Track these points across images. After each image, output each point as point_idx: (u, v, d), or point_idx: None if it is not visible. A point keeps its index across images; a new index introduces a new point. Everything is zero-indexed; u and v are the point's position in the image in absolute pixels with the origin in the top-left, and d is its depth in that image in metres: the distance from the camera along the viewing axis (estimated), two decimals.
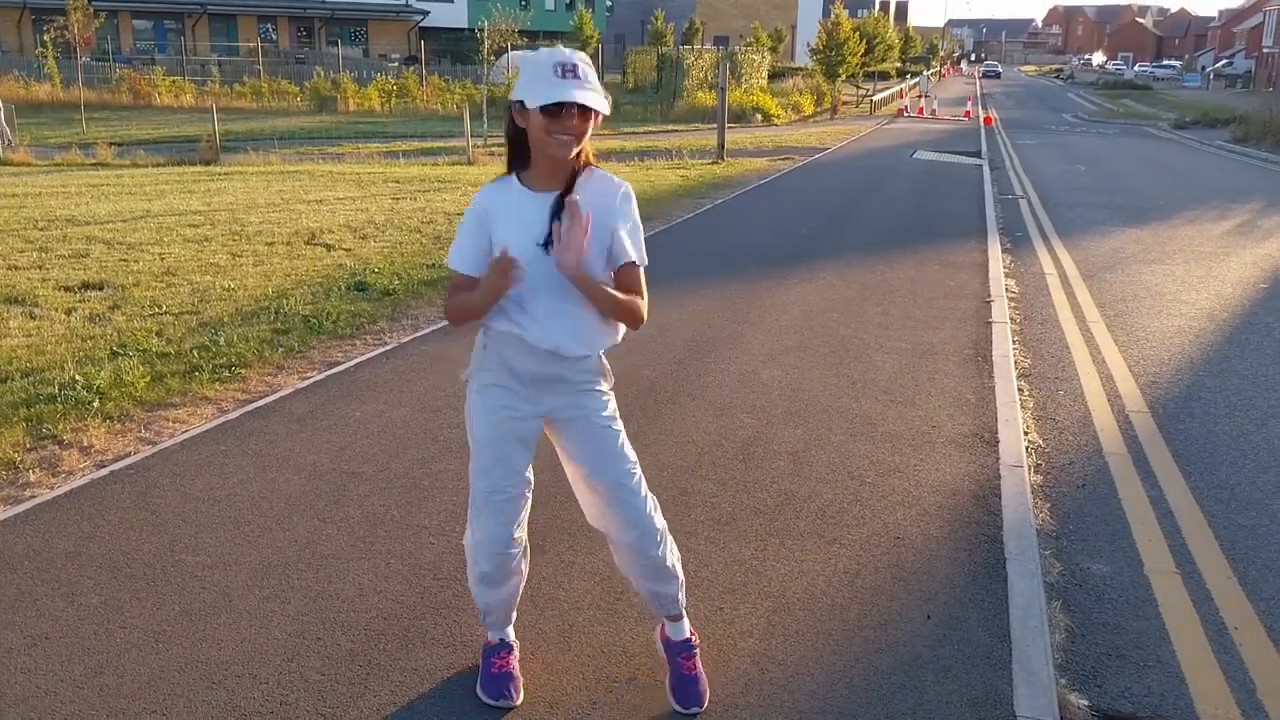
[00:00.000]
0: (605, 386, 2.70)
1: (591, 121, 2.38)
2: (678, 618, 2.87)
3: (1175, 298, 8.55)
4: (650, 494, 2.74)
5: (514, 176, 2.51)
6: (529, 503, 2.77)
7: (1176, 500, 4.50)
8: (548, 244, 2.44)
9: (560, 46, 2.49)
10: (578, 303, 2.48)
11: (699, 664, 2.86)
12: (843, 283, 8.55)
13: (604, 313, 2.52)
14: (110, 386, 5.33)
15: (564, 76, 2.30)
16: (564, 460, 2.77)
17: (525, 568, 2.87)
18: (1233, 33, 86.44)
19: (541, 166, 2.46)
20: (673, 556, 2.77)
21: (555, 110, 2.31)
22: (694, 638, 2.88)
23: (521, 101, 2.35)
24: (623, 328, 2.61)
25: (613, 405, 2.71)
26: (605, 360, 2.69)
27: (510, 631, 2.95)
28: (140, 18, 40.65)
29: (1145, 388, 6.09)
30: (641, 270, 2.56)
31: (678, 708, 2.79)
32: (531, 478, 2.76)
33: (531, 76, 2.34)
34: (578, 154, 2.45)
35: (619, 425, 2.70)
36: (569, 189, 2.46)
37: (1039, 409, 5.67)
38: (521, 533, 2.77)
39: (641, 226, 2.62)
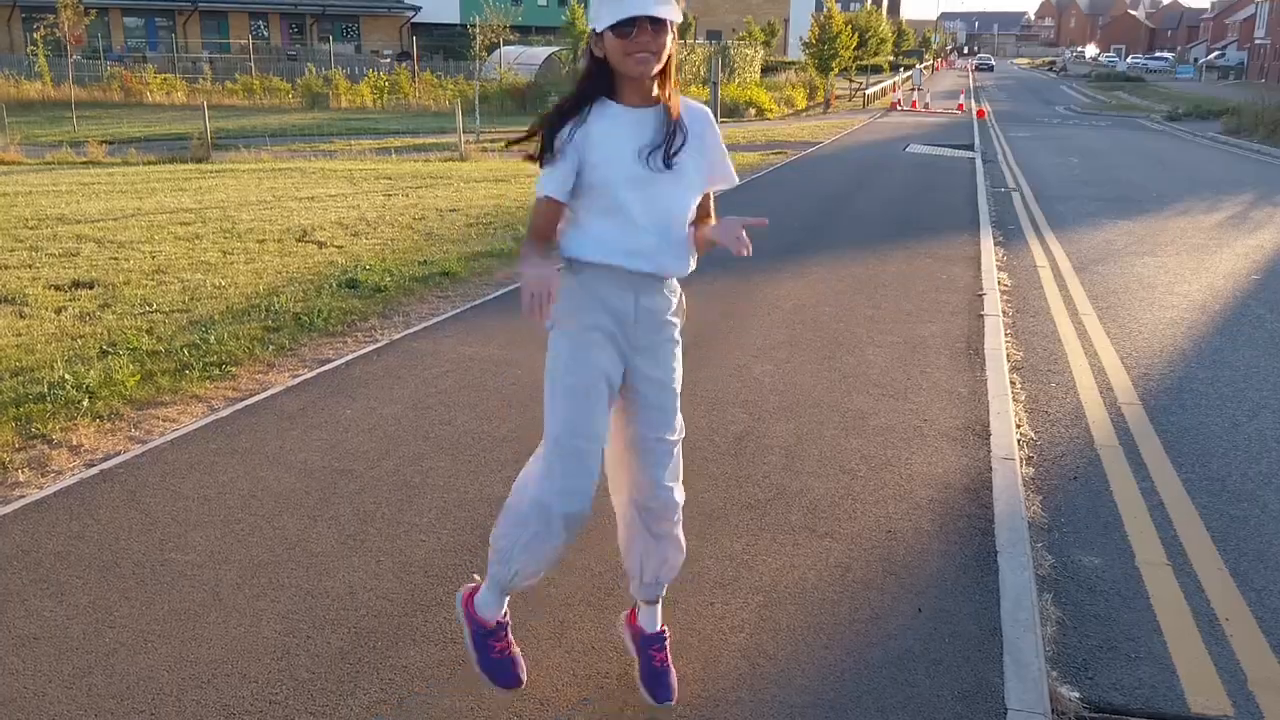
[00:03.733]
0: (680, 322, 2.68)
1: (669, 34, 2.35)
2: (656, 601, 2.84)
3: (1167, 289, 8.56)
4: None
5: (608, 100, 2.46)
6: (595, 483, 2.57)
7: (1168, 492, 4.50)
8: (652, 155, 2.44)
9: None
10: (671, 221, 2.51)
11: (669, 657, 2.86)
12: (835, 277, 8.55)
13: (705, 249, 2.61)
14: (100, 385, 5.31)
15: None
16: (616, 412, 2.65)
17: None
18: (1225, 24, 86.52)
19: (630, 89, 2.44)
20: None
21: (627, 29, 2.30)
22: (665, 629, 2.87)
23: (596, 31, 2.36)
24: (694, 251, 2.64)
25: (679, 352, 2.67)
26: (681, 290, 2.68)
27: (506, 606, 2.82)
28: (131, 15, 40.49)
29: (1137, 380, 6.09)
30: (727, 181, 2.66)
31: (651, 701, 2.78)
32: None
33: (600, 1, 2.34)
34: (664, 75, 2.44)
35: (679, 381, 2.68)
36: (673, 129, 2.47)
37: (1031, 402, 5.68)
38: (588, 508, 2.54)
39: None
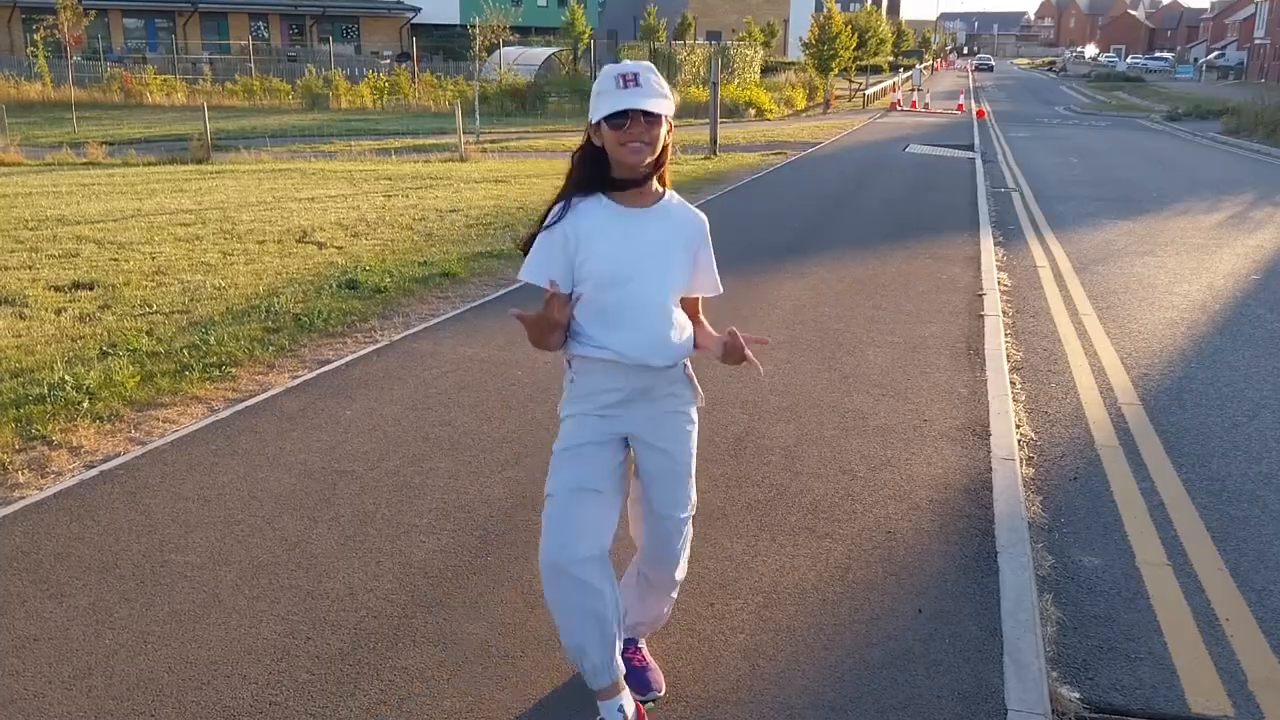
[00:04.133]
0: (692, 406, 2.71)
1: (660, 127, 2.42)
2: (635, 639, 2.96)
3: (1167, 289, 8.56)
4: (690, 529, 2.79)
5: (602, 195, 2.52)
6: (612, 527, 2.57)
7: (1168, 492, 4.50)
8: (637, 253, 2.51)
9: (625, 60, 2.55)
10: (661, 316, 2.55)
11: (648, 656, 2.92)
12: (835, 277, 8.55)
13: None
14: (100, 386, 5.31)
15: (625, 87, 2.37)
16: (633, 478, 2.74)
17: (615, 594, 2.56)
18: (1225, 24, 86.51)
19: (618, 181, 2.50)
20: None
21: (620, 121, 2.37)
22: (641, 641, 2.96)
23: (595, 123, 2.43)
24: (688, 339, 2.67)
25: (692, 432, 2.71)
26: (692, 374, 2.71)
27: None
28: (131, 16, 40.51)
29: (1137, 380, 6.09)
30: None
31: (636, 696, 2.78)
32: (619, 502, 2.64)
33: (597, 94, 2.42)
34: (659, 173, 2.52)
35: (692, 457, 2.71)
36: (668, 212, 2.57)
37: (1031, 402, 5.67)
38: (596, 546, 2.52)
39: None
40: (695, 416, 2.72)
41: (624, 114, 2.36)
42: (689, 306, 2.69)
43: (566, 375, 2.68)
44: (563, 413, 2.70)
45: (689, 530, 2.76)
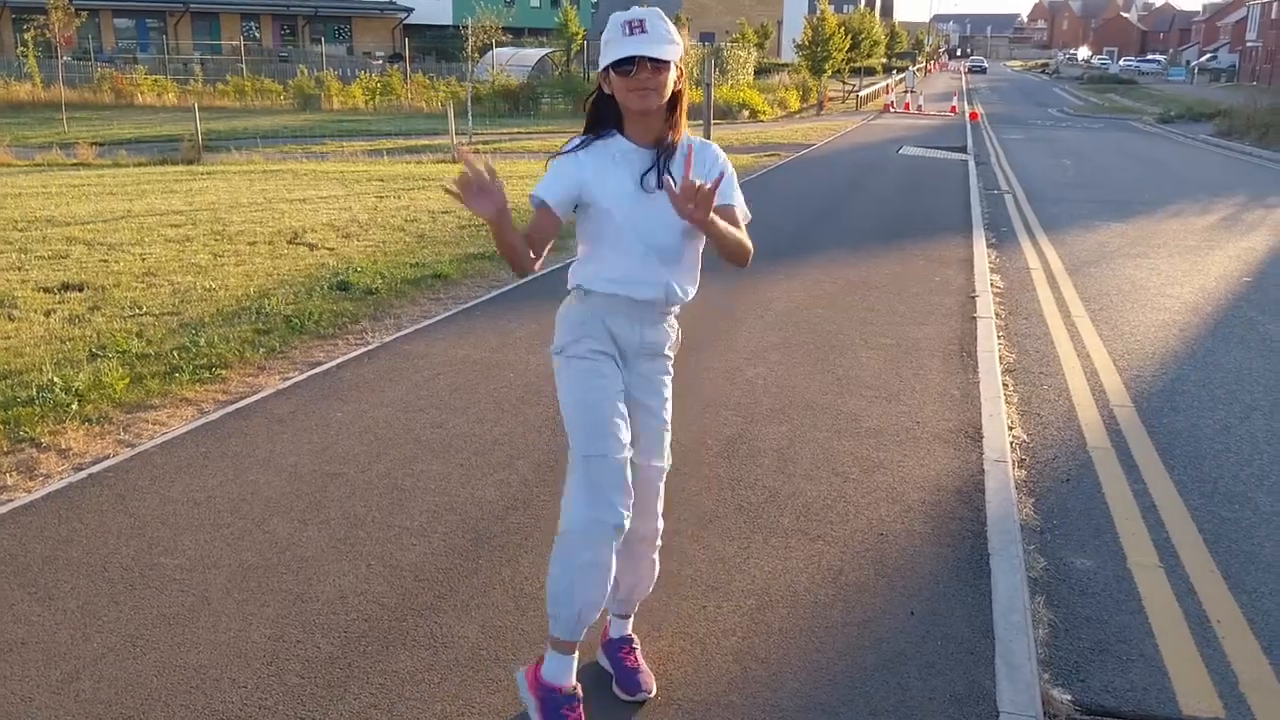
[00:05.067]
0: (671, 356, 2.76)
1: (667, 72, 2.45)
2: (627, 616, 2.97)
3: (1159, 292, 8.58)
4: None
5: (617, 133, 2.57)
6: (632, 492, 2.59)
7: (1160, 494, 4.50)
8: (645, 177, 2.53)
9: (636, 7, 2.53)
10: (668, 245, 2.58)
11: (640, 658, 2.91)
12: (828, 279, 8.55)
13: (724, 249, 2.56)
14: (89, 388, 5.28)
15: (631, 34, 2.40)
16: None
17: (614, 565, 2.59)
18: (1217, 27, 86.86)
19: (635, 124, 2.55)
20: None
21: (627, 67, 2.41)
22: (633, 635, 2.96)
23: (604, 69, 2.47)
24: (697, 279, 2.69)
25: (670, 382, 2.76)
26: (678, 324, 2.76)
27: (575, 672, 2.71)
28: (122, 16, 40.39)
29: (1129, 382, 6.10)
30: (740, 215, 2.65)
31: (625, 696, 2.83)
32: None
33: (605, 41, 2.45)
34: (675, 118, 2.54)
35: (668, 412, 2.76)
36: (670, 149, 2.55)
37: (1023, 404, 5.68)
38: (627, 518, 2.54)
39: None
40: (672, 370, 2.78)
41: (631, 60, 2.40)
42: (728, 217, 2.60)
43: (578, 308, 2.66)
44: (569, 347, 2.64)
45: (663, 482, 2.78)
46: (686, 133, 2.62)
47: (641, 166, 2.56)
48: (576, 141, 2.61)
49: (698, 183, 2.34)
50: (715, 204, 2.51)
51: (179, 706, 2.76)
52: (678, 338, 2.77)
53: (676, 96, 2.54)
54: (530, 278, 2.72)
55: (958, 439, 4.89)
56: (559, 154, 2.60)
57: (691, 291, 2.70)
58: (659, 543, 2.86)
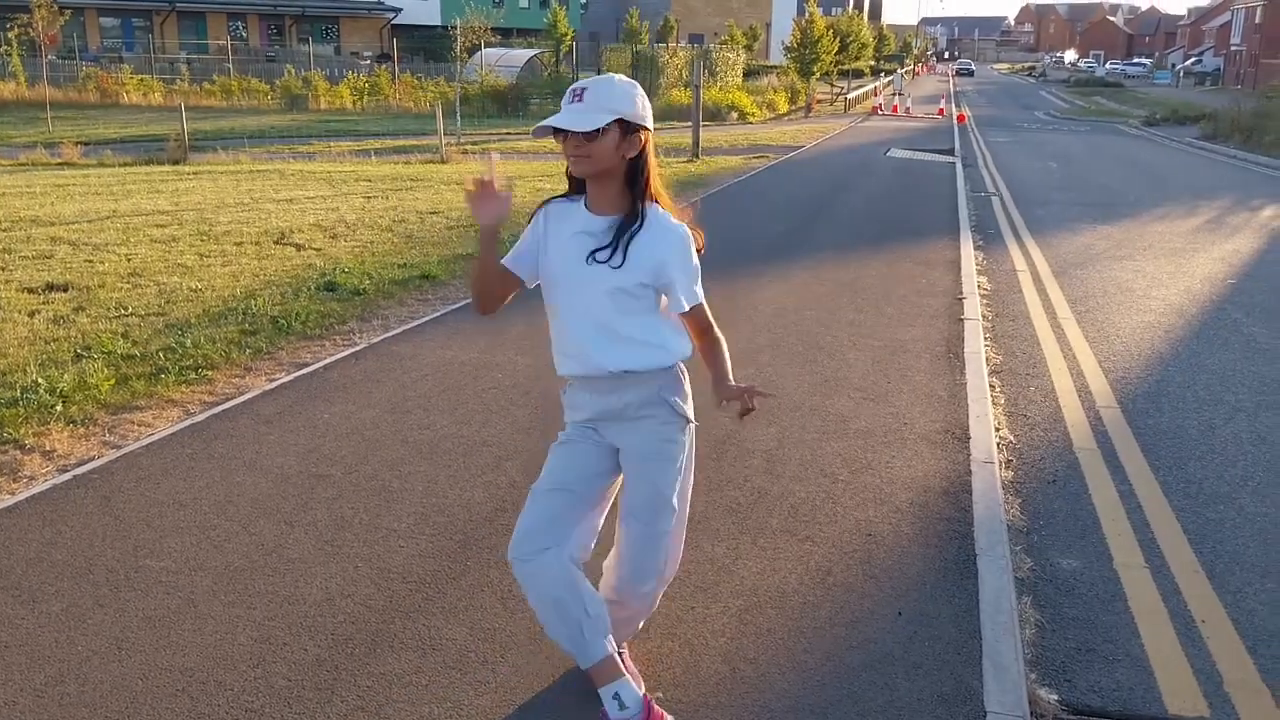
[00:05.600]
0: (676, 427, 2.65)
1: (598, 141, 2.39)
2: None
3: (1145, 294, 8.62)
4: (678, 547, 2.80)
5: (581, 199, 2.57)
6: (591, 532, 2.64)
7: (1145, 495, 4.53)
8: (591, 255, 2.48)
9: (611, 76, 2.51)
10: (598, 320, 2.53)
11: (629, 660, 2.89)
12: (816, 281, 8.56)
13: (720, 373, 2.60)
14: (74, 389, 5.25)
15: (571, 101, 2.42)
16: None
17: (570, 580, 2.55)
18: (1202, 31, 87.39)
19: (592, 190, 2.53)
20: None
21: (561, 135, 2.42)
22: (622, 646, 2.92)
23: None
24: (683, 345, 2.65)
25: (673, 452, 2.65)
26: (677, 395, 2.65)
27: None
28: (107, 15, 40.16)
29: (1115, 383, 6.13)
30: (703, 306, 2.63)
31: None
32: (601, 511, 2.72)
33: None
34: (638, 188, 2.50)
35: (674, 480, 2.66)
36: (631, 222, 2.49)
37: (1010, 405, 5.70)
38: (552, 538, 2.53)
39: (699, 269, 2.61)
40: (682, 438, 2.66)
41: (559, 130, 2.40)
42: (692, 322, 2.62)
43: (561, 402, 2.77)
44: (563, 417, 2.78)
45: (665, 549, 2.70)
46: (655, 206, 2.53)
47: (587, 234, 2.50)
48: (551, 203, 2.61)
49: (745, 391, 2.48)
50: (680, 310, 2.57)
51: (165, 710, 2.74)
52: (669, 396, 2.62)
53: (636, 165, 2.47)
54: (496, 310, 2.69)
55: (945, 440, 4.91)
56: (538, 209, 2.61)
57: (663, 359, 2.58)
58: (648, 609, 2.88)
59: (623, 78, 2.49)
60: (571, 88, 2.45)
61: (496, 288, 2.59)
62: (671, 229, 2.54)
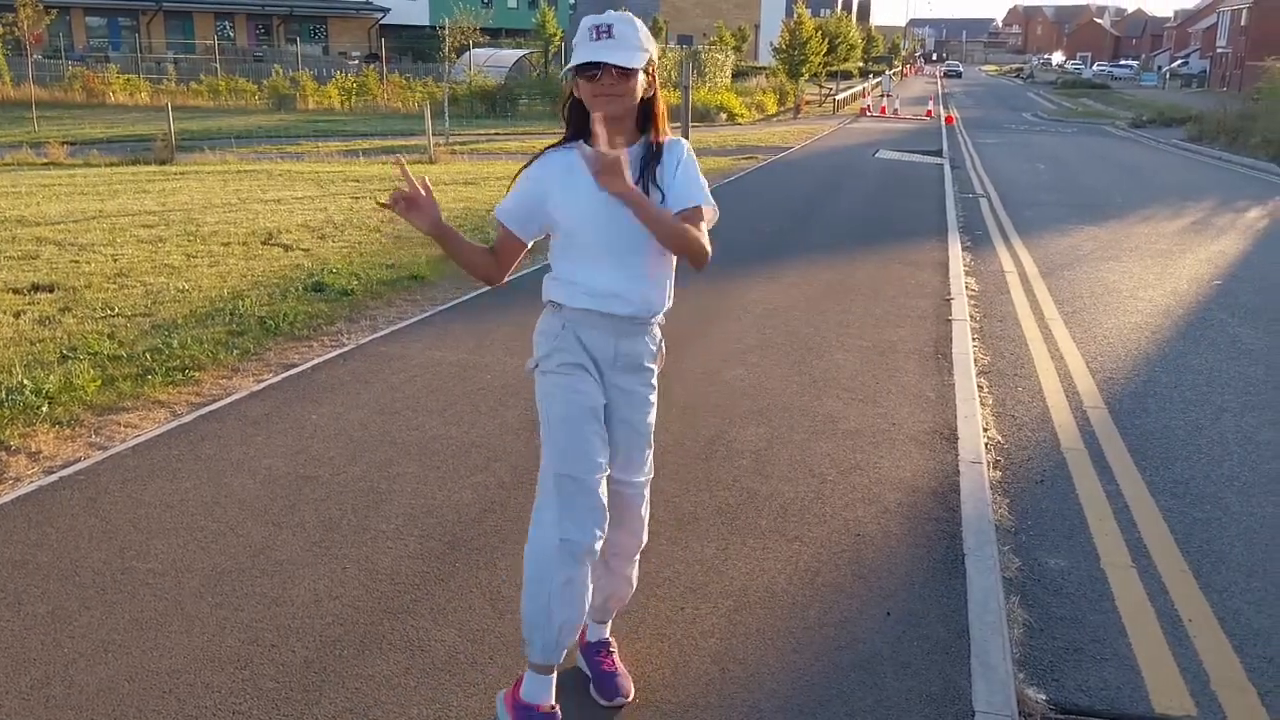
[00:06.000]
0: (656, 369, 2.71)
1: (634, 79, 2.40)
2: (606, 621, 2.96)
3: (1132, 295, 8.66)
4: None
5: (581, 142, 2.50)
6: (606, 513, 2.60)
7: (1132, 495, 4.55)
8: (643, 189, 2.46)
9: (610, 10, 2.48)
10: (638, 256, 2.52)
11: (618, 661, 2.90)
12: (805, 281, 8.57)
13: (663, 240, 2.47)
14: (60, 390, 5.22)
15: (597, 38, 2.36)
16: None
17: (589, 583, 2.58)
18: (1188, 33, 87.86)
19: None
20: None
21: (592, 73, 2.37)
22: (610, 639, 2.95)
23: (567, 75, 2.44)
24: (671, 289, 2.64)
25: (654, 397, 2.71)
26: (661, 335, 2.70)
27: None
28: (93, 14, 39.97)
29: (1102, 384, 6.16)
30: (706, 211, 2.56)
31: (603, 701, 2.82)
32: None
33: (575, 44, 2.42)
34: (650, 116, 2.50)
35: (651, 426, 2.71)
36: (657, 154, 2.50)
37: (998, 406, 5.72)
38: (600, 539, 2.54)
39: (704, 181, 2.61)
40: (656, 383, 2.72)
41: (595, 65, 2.36)
42: (691, 217, 2.54)
43: (553, 323, 2.61)
44: (541, 363, 2.62)
45: (647, 496, 2.76)
46: (666, 138, 2.56)
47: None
48: (540, 155, 2.57)
49: (606, 151, 2.30)
50: (678, 208, 2.50)
51: (152, 712, 2.73)
52: (660, 349, 2.71)
53: (650, 102, 2.50)
54: (507, 278, 2.69)
55: (933, 440, 4.92)
56: (525, 166, 2.57)
57: (666, 304, 2.65)
58: (637, 558, 2.85)
59: (632, 15, 2.45)
60: (593, 24, 2.37)
61: (501, 262, 2.57)
62: (678, 145, 2.58)
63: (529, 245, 2.63)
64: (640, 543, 2.80)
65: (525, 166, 2.57)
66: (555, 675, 2.64)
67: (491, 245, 2.62)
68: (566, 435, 2.53)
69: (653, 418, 2.71)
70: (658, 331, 2.70)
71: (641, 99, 2.48)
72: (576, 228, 2.53)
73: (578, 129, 2.51)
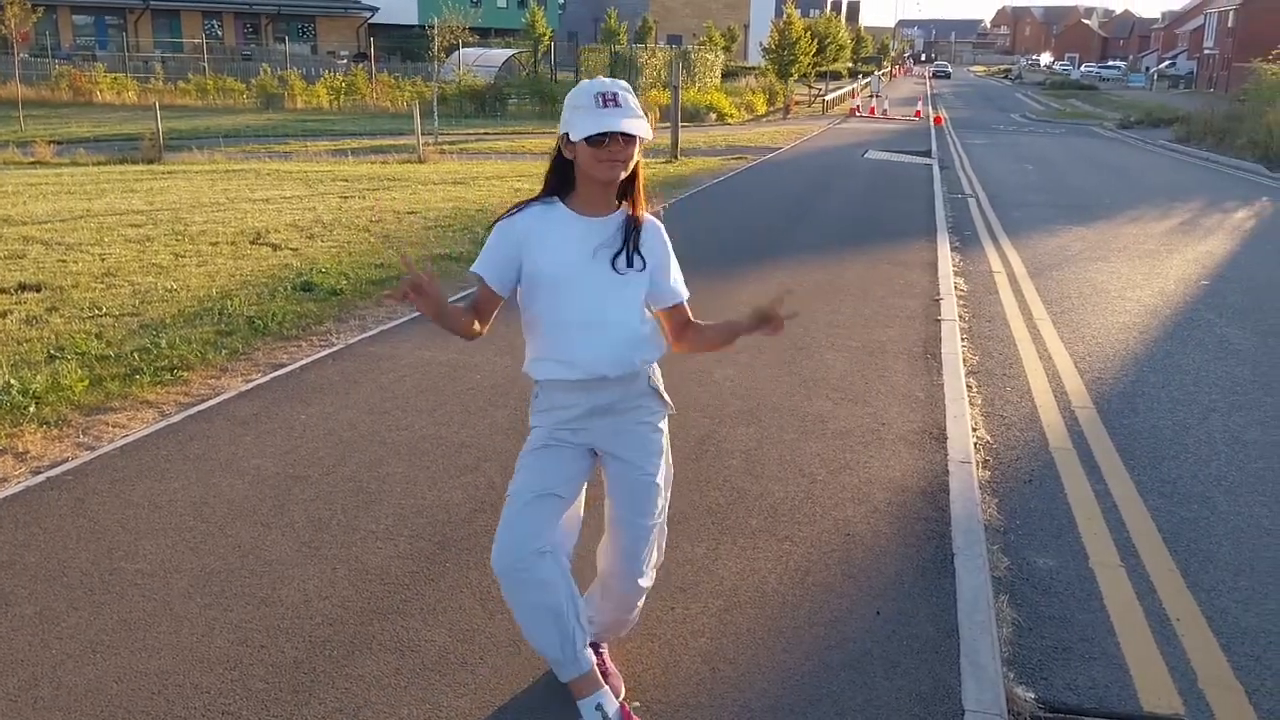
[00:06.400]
0: (661, 416, 2.71)
1: (635, 146, 2.46)
2: (600, 641, 2.96)
3: (1119, 295, 8.70)
4: (662, 538, 2.80)
5: (558, 201, 2.55)
6: (571, 529, 2.63)
7: (1120, 494, 4.57)
8: (613, 256, 2.52)
9: (601, 78, 2.52)
10: (612, 320, 2.54)
11: (609, 661, 2.91)
12: (795, 281, 8.58)
13: (714, 347, 2.72)
14: (47, 390, 5.20)
15: (605, 106, 2.39)
16: (607, 492, 2.75)
17: (570, 589, 2.57)
18: (1175, 34, 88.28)
19: (590, 193, 2.52)
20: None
21: (600, 139, 2.39)
22: (603, 646, 2.95)
23: (567, 135, 2.44)
24: (660, 343, 2.69)
25: (660, 441, 2.70)
26: (658, 382, 2.71)
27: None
28: (80, 13, 39.76)
29: (1090, 384, 6.18)
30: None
31: None
32: (579, 510, 2.74)
33: (574, 108, 2.43)
34: (635, 193, 2.55)
35: (661, 467, 2.70)
36: (638, 226, 2.56)
37: (987, 405, 5.73)
38: (547, 543, 2.53)
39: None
40: (664, 427, 2.72)
41: (604, 134, 2.38)
42: (678, 316, 2.68)
43: (534, 394, 2.70)
44: (531, 421, 2.71)
45: (655, 539, 2.74)
46: (644, 214, 2.60)
47: (588, 237, 2.51)
48: (517, 210, 2.56)
49: (776, 311, 2.58)
50: (666, 305, 2.63)
51: (140, 713, 2.72)
52: (656, 390, 2.69)
53: (633, 174, 2.52)
54: (486, 329, 2.70)
55: (922, 440, 4.93)
56: (500, 219, 2.57)
57: (641, 357, 2.61)
58: (641, 602, 2.85)
59: (623, 83, 2.49)
60: (598, 92, 2.40)
61: (479, 316, 2.60)
62: (656, 225, 2.64)
63: (503, 299, 2.61)
64: (641, 588, 2.77)
65: (497, 221, 2.57)
66: (604, 689, 2.62)
67: (473, 302, 2.62)
68: (525, 474, 2.61)
69: (660, 461, 2.69)
70: (651, 374, 2.68)
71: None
72: (560, 281, 2.51)
73: (556, 188, 2.55)
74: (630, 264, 2.53)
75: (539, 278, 2.53)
